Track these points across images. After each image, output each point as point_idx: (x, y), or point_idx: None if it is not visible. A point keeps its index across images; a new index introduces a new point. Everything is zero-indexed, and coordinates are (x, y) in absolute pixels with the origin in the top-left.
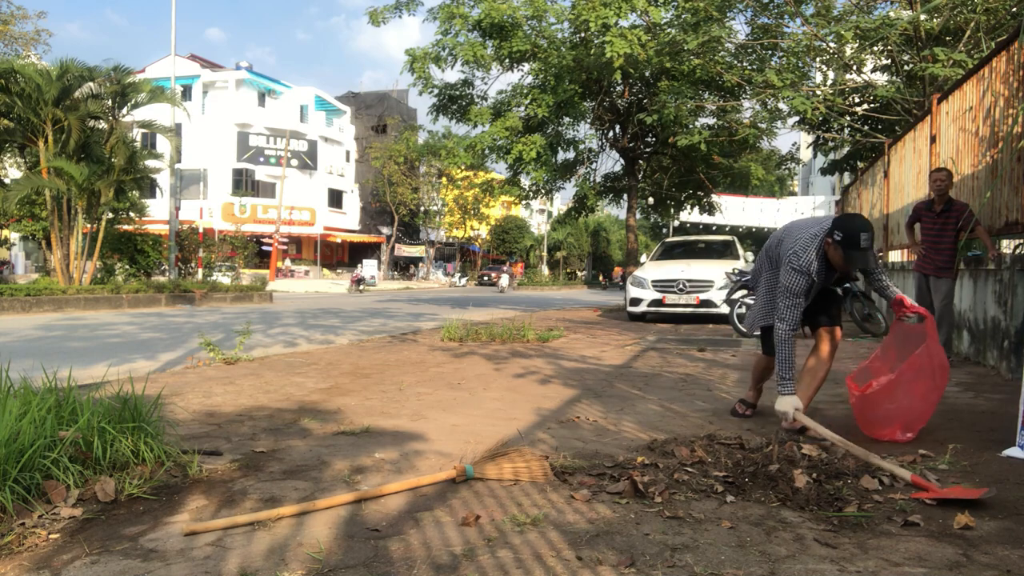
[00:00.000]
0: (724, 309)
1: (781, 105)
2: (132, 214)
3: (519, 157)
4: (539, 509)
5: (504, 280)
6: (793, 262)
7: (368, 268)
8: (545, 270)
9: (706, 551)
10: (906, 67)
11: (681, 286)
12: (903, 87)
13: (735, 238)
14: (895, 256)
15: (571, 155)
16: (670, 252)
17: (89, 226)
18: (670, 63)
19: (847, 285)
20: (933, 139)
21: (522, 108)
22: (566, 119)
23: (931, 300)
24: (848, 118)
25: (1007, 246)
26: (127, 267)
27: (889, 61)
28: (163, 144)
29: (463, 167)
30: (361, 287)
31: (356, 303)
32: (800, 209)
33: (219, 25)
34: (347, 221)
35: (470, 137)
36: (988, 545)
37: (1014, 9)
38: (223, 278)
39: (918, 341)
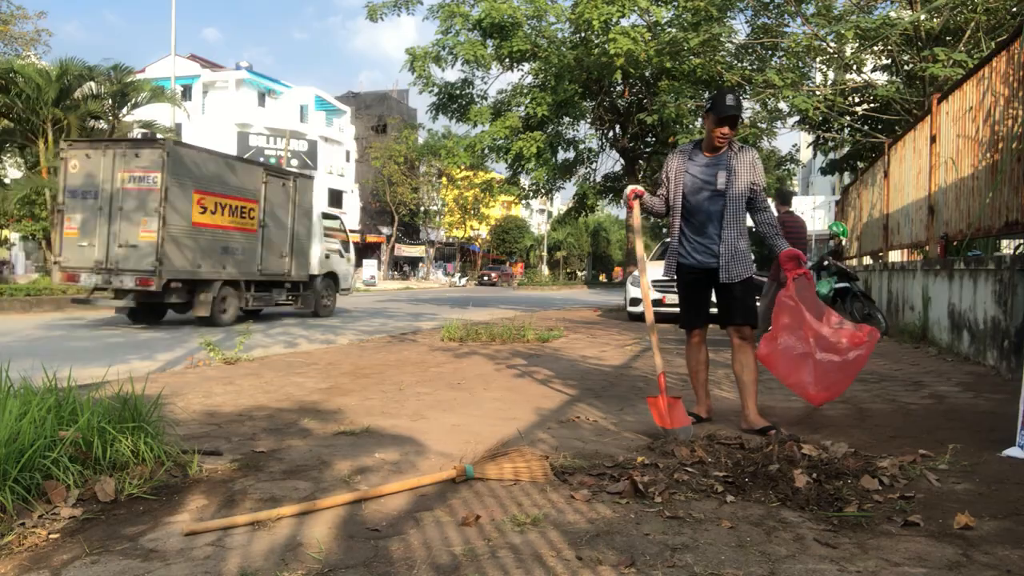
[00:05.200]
0: None
1: (781, 105)
2: None
3: (519, 155)
4: (539, 509)
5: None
6: None
7: (368, 268)
8: (545, 270)
9: (706, 551)
10: (906, 67)
11: None
12: (903, 87)
13: None
14: (895, 256)
15: (571, 155)
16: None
17: None
18: (670, 63)
19: (847, 285)
20: (933, 139)
21: (522, 108)
22: (566, 119)
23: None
24: (848, 118)
25: (1007, 246)
26: None
27: (889, 61)
28: None
29: (463, 167)
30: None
31: (355, 303)
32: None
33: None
34: (347, 221)
35: (470, 137)
36: (988, 545)
37: (1014, 9)
38: None
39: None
